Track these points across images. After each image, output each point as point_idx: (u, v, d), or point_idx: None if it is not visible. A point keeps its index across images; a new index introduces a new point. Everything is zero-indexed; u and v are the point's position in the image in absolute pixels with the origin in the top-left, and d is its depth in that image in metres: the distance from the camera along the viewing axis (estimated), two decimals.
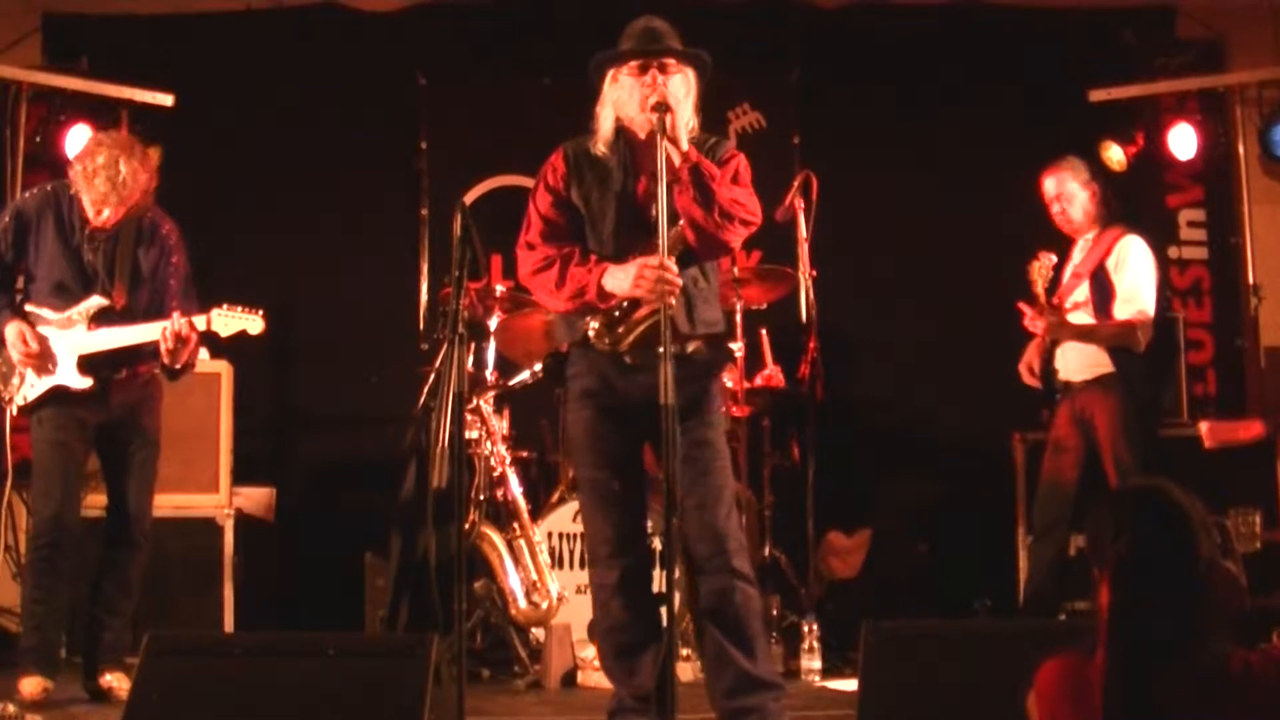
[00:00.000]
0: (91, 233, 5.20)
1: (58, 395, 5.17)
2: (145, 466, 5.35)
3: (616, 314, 4.12)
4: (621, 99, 4.17)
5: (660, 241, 3.86)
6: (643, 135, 4.14)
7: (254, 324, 5.28)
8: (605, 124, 4.22)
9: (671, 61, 4.14)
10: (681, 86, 4.12)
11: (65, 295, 5.20)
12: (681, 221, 4.05)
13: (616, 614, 4.20)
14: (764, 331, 6.61)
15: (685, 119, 4.10)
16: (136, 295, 5.26)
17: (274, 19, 7.51)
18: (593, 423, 4.24)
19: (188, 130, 7.02)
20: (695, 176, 4.00)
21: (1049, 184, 5.86)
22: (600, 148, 4.22)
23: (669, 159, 3.94)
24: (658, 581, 4.34)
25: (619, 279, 4.06)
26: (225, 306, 5.22)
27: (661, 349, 3.77)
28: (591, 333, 4.15)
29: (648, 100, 4.04)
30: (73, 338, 5.17)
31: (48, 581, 5.17)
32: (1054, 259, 5.73)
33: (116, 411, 5.27)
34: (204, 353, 6.39)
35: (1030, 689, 2.59)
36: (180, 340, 5.11)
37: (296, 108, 7.53)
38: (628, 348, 4.13)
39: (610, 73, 4.20)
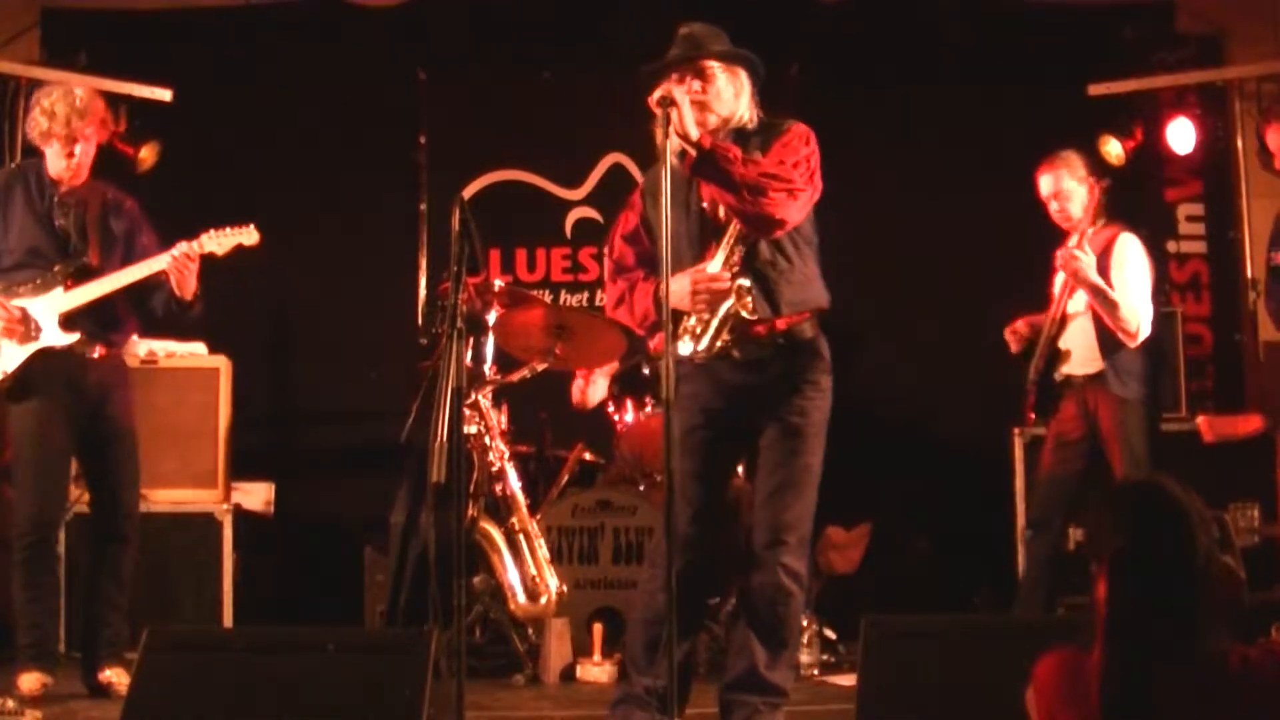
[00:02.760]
0: (61, 198, 5.22)
1: (38, 376, 5.14)
2: (126, 461, 5.32)
3: (698, 327, 4.12)
4: None
5: (662, 243, 3.80)
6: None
7: (248, 235, 5.31)
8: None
9: (712, 65, 4.14)
10: (729, 87, 4.14)
11: (39, 260, 5.19)
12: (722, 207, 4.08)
13: (659, 608, 4.08)
14: None
15: (740, 114, 4.14)
16: (110, 257, 5.27)
17: (273, 14, 7.50)
18: (692, 420, 4.20)
19: (186, 125, 7.02)
20: (707, 162, 3.99)
21: (1045, 181, 5.75)
22: (674, 160, 4.10)
23: (688, 153, 3.96)
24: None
25: (672, 290, 4.03)
26: (213, 230, 5.24)
27: (666, 340, 3.76)
28: (685, 349, 4.13)
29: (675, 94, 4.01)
30: (51, 300, 5.16)
31: (39, 579, 5.18)
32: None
33: (93, 395, 5.23)
34: (202, 347, 6.42)
35: (1028, 684, 2.59)
36: (186, 263, 5.13)
37: (295, 102, 7.53)
38: (721, 349, 4.12)
39: (659, 86, 4.13)
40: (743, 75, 4.20)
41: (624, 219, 4.41)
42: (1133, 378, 5.62)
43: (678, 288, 4.06)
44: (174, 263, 5.13)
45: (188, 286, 5.19)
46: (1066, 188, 5.71)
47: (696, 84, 4.13)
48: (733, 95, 4.16)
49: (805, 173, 4.12)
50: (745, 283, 4.07)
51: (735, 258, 4.10)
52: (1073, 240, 5.64)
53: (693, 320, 4.12)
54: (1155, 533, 2.48)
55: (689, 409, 4.21)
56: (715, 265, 4.11)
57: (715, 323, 4.10)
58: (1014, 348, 5.82)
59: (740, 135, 4.17)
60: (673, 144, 3.95)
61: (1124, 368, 5.61)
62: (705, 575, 4.22)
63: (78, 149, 5.20)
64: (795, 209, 4.09)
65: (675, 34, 4.24)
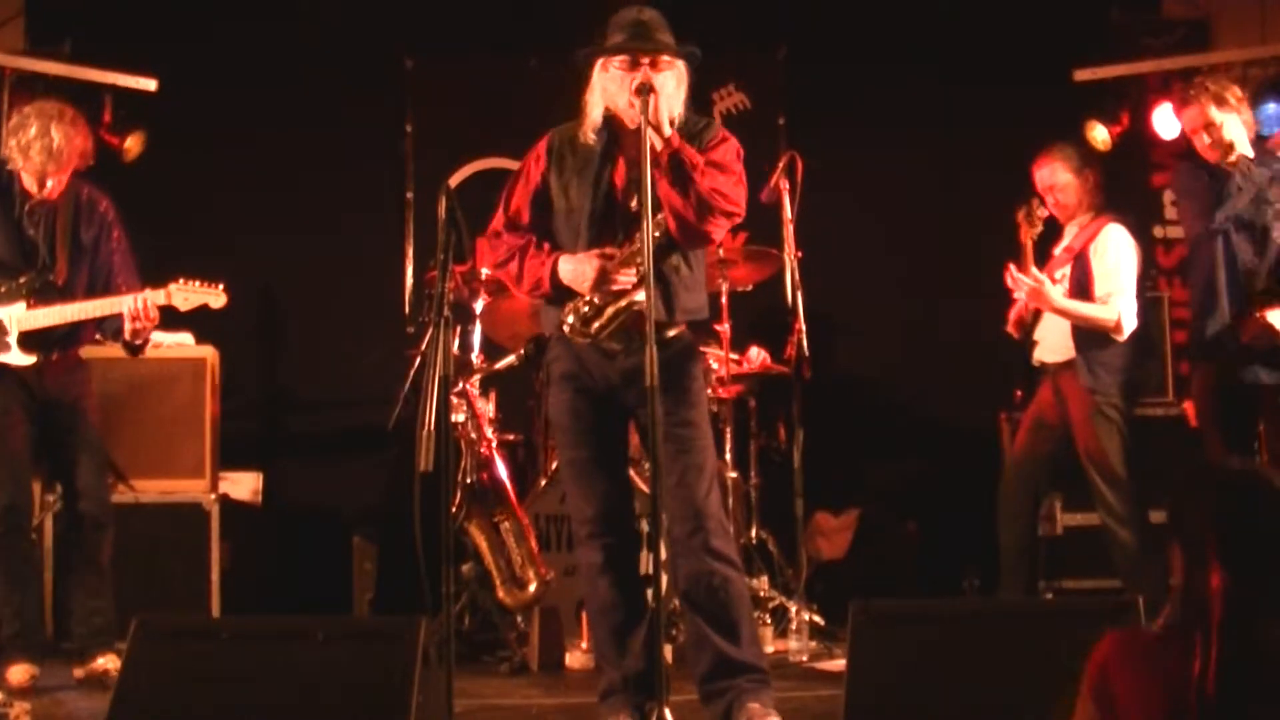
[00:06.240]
0: (32, 208, 5.20)
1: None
2: (92, 449, 5.32)
3: (588, 310, 4.11)
4: (610, 90, 4.12)
5: (645, 227, 3.80)
6: (631, 125, 4.10)
7: (215, 298, 5.28)
8: (595, 111, 4.16)
9: (662, 57, 4.08)
10: (672, 79, 4.07)
11: (4, 270, 5.18)
12: (663, 210, 4.01)
13: (604, 596, 4.18)
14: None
15: (675, 110, 4.05)
16: (77, 271, 5.26)
17: (259, 1, 7.47)
18: (572, 404, 4.22)
19: (171, 114, 6.98)
20: (674, 163, 3.97)
21: (1041, 175, 5.80)
22: (588, 135, 4.18)
23: (651, 144, 3.91)
24: (644, 563, 4.34)
25: (568, 270, 4.08)
26: (183, 280, 5.21)
27: (648, 332, 3.75)
28: (566, 328, 4.14)
29: (632, 84, 4.00)
30: (13, 313, 5.15)
31: (16, 567, 5.19)
32: (1045, 211, 5.72)
33: (52, 393, 5.24)
34: (189, 337, 6.40)
35: (1087, 662, 2.52)
36: (145, 313, 5.11)
37: (281, 90, 7.50)
38: (605, 339, 4.13)
39: (601, 61, 4.14)
40: (683, 69, 4.13)
41: (527, 173, 4.29)
42: (1104, 369, 5.61)
43: (581, 268, 4.07)
44: (132, 310, 5.11)
45: (140, 336, 5.19)
46: (1061, 180, 5.78)
47: (650, 74, 4.04)
48: (673, 88, 4.08)
49: (744, 197, 4.12)
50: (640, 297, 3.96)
51: (644, 255, 3.88)
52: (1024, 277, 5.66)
53: (582, 302, 4.12)
54: (1269, 522, 2.44)
55: (569, 390, 4.22)
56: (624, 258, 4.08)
57: (610, 311, 4.09)
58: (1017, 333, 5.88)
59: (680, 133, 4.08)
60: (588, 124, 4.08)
61: (1097, 359, 5.62)
62: (633, 552, 4.25)
63: (50, 183, 5.18)
64: (723, 232, 4.12)
65: (619, 18, 4.17)
